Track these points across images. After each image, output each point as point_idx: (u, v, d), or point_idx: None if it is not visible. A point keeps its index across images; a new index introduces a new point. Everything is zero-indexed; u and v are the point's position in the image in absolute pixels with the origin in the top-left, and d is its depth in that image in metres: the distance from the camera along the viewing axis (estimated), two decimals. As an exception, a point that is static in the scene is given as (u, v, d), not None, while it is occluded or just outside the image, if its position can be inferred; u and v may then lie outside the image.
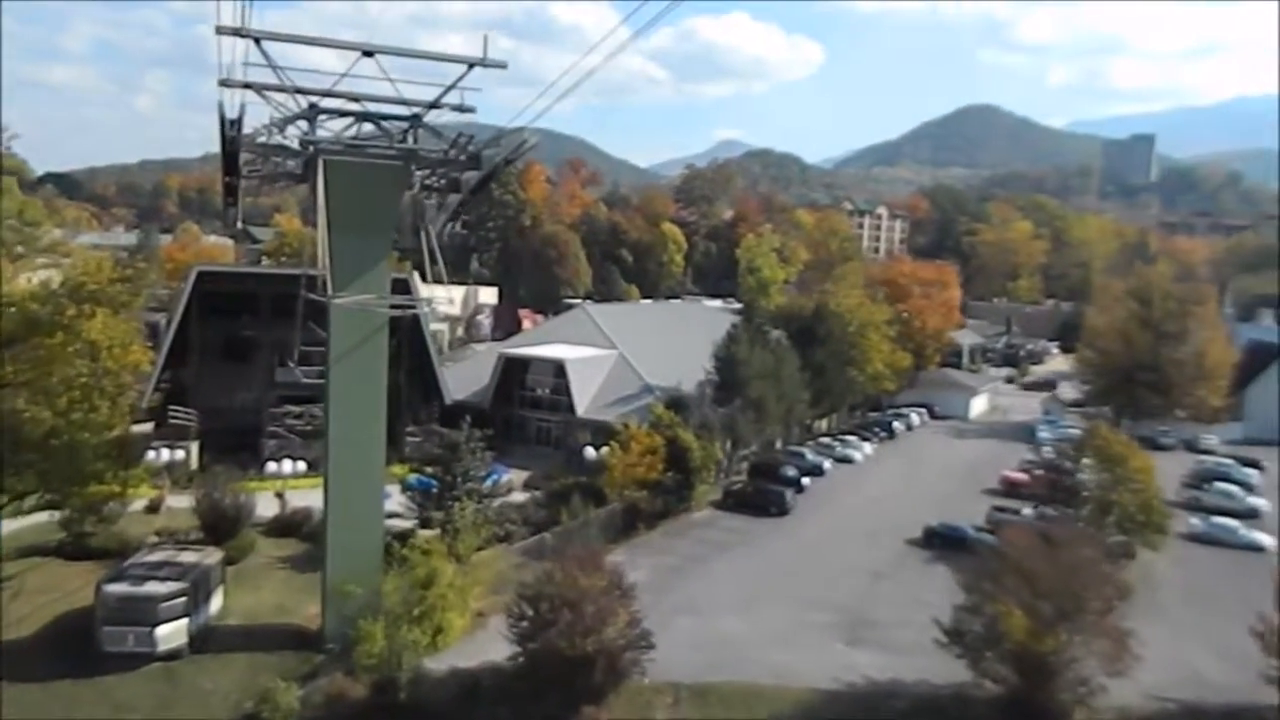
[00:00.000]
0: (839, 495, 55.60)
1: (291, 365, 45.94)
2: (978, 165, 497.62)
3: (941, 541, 45.45)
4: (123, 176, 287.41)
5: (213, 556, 35.04)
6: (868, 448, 66.75)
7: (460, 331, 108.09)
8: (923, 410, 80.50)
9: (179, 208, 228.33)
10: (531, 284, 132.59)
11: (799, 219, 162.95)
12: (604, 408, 59.56)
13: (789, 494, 51.85)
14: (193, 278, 55.20)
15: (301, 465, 48.23)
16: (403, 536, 37.50)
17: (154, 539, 42.03)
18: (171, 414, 54.05)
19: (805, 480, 55.30)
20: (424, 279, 33.56)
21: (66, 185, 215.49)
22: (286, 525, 44.63)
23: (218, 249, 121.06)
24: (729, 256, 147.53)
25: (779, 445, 63.65)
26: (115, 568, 33.57)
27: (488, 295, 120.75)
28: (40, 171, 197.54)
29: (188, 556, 34.41)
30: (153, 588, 31.46)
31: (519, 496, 48.51)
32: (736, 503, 51.43)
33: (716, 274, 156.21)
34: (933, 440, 74.48)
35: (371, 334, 32.73)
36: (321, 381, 44.23)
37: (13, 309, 32.71)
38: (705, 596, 39.12)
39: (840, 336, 67.96)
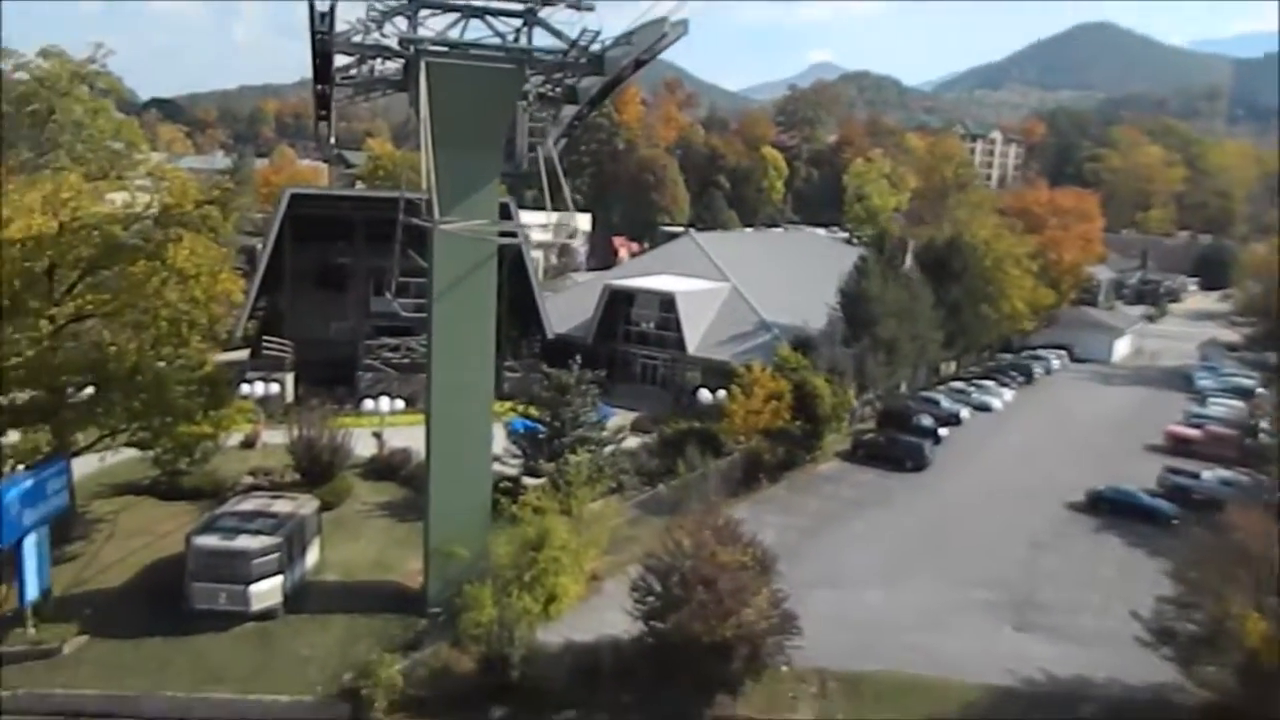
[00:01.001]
0: (981, 448, 50.41)
1: (388, 295, 42.69)
2: (1090, 87, 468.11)
3: (1109, 507, 40.26)
4: (222, 102, 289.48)
5: (308, 506, 32.16)
6: (1007, 394, 60.96)
7: (553, 260, 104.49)
8: (1061, 352, 73.84)
9: (275, 132, 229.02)
10: (626, 211, 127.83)
11: (908, 143, 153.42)
12: (716, 345, 55.15)
13: (927, 446, 46.99)
14: (285, 200, 52.16)
15: (400, 403, 45.09)
16: (510, 491, 33.94)
17: (248, 479, 39.63)
18: (266, 344, 51.68)
19: (942, 430, 50.26)
20: (551, 204, 29.27)
21: (169, 110, 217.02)
22: (384, 467, 41.80)
23: (311, 172, 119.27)
24: (833, 183, 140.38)
25: (904, 389, 58.54)
26: (206, 517, 30.90)
27: (581, 222, 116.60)
28: (145, 98, 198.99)
29: (282, 505, 31.58)
30: (245, 542, 28.67)
31: (630, 441, 44.72)
32: (867, 455, 46.84)
33: (818, 201, 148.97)
34: (1076, 386, 68.18)
35: (480, 264, 28.82)
36: (420, 315, 41.08)
37: (95, 232, 29.70)
38: (844, 565, 34.98)
39: (976, 271, 61.83)
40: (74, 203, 28.71)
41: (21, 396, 29.44)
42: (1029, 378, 66.83)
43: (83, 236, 28.71)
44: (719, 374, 51.07)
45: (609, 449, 38.57)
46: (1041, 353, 72.73)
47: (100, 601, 29.82)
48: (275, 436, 44.16)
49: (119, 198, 34.77)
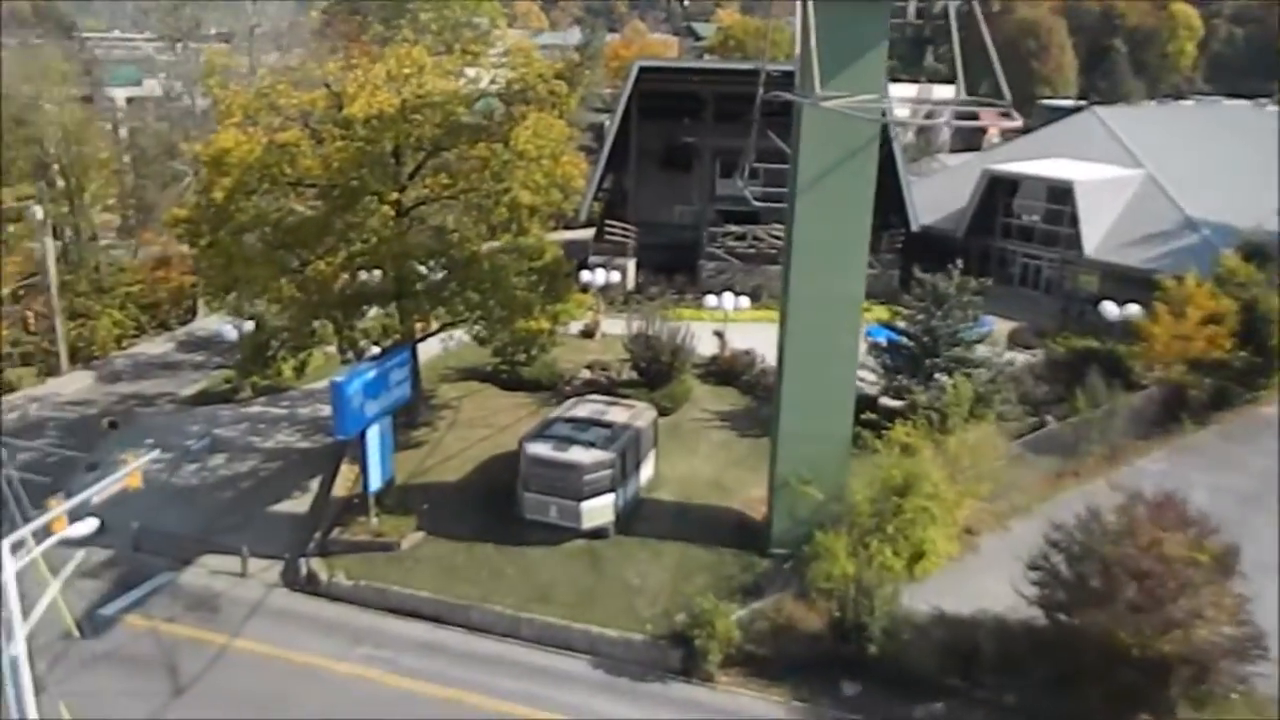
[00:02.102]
0: None
1: (738, 180, 38.32)
2: None
3: None
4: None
5: (645, 416, 29.23)
6: None
7: (909, 137, 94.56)
8: None
9: (628, 6, 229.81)
10: (997, 82, 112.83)
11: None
12: (1122, 247, 45.33)
13: None
14: (634, 73, 48.84)
15: (744, 300, 41.00)
16: (873, 424, 28.68)
17: (585, 373, 37.86)
18: (609, 227, 49.65)
19: None
20: (963, 82, 23.19)
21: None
22: (726, 370, 38.25)
23: (661, 45, 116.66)
24: (1262, 44, 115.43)
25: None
26: (539, 422, 28.90)
27: (944, 94, 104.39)
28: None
29: (618, 413, 28.87)
30: (577, 455, 26.24)
31: (1010, 357, 37.38)
32: (1333, 398, 36.18)
33: (1240, 67, 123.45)
34: None
35: (857, 149, 23.24)
36: (771, 205, 36.31)
37: (436, 111, 27.61)
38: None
39: None
40: (416, 79, 26.64)
41: (367, 279, 28.59)
42: None
43: (424, 115, 26.65)
44: (1125, 282, 41.86)
45: (991, 373, 31.96)
46: None
47: (437, 496, 29.13)
48: (615, 326, 42.11)
49: (471, 73, 32.86)
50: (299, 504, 30.81)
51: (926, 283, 32.02)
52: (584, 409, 29.12)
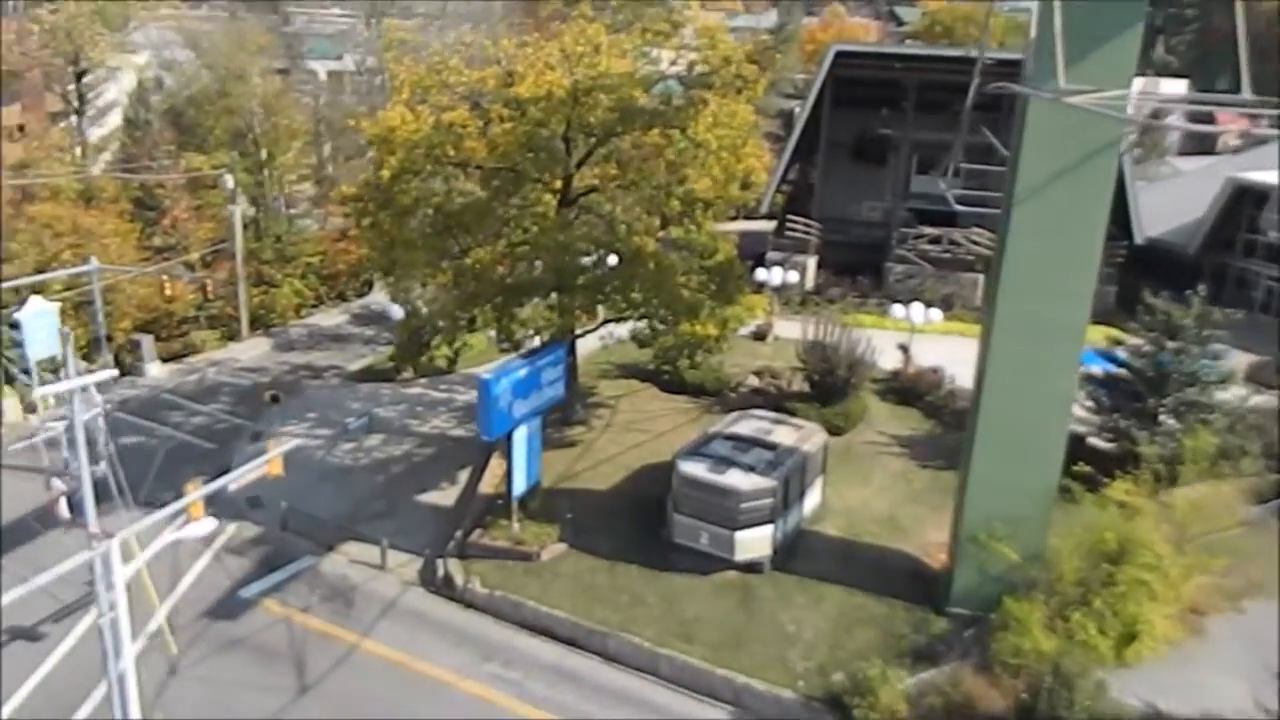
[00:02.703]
0: None
1: (940, 179, 34.49)
2: None
3: None
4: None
5: (814, 439, 26.34)
6: None
7: (1132, 137, 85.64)
8: None
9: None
10: (1238, 76, 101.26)
11: None
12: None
13: None
14: (829, 58, 45.45)
15: (935, 313, 37.10)
16: (1086, 477, 24.74)
17: (753, 379, 35.23)
18: (790, 222, 46.63)
19: None
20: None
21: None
22: (908, 389, 34.69)
23: (861, 29, 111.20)
24: None
25: None
26: (696, 438, 26.41)
27: (1175, 90, 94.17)
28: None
29: (784, 434, 26.10)
30: (735, 480, 23.68)
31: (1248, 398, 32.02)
32: None
33: None
34: None
35: (1095, 152, 19.42)
36: (972, 209, 32.39)
37: (610, 96, 25.52)
38: None
39: None
40: (590, 59, 24.63)
41: (526, 269, 26.95)
42: None
43: (597, 98, 24.62)
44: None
45: (1229, 420, 27.12)
46: None
47: (583, 505, 27.31)
48: (789, 329, 39.26)
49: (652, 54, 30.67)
50: (445, 496, 29.79)
51: (1158, 309, 27.41)
52: (747, 425, 26.50)
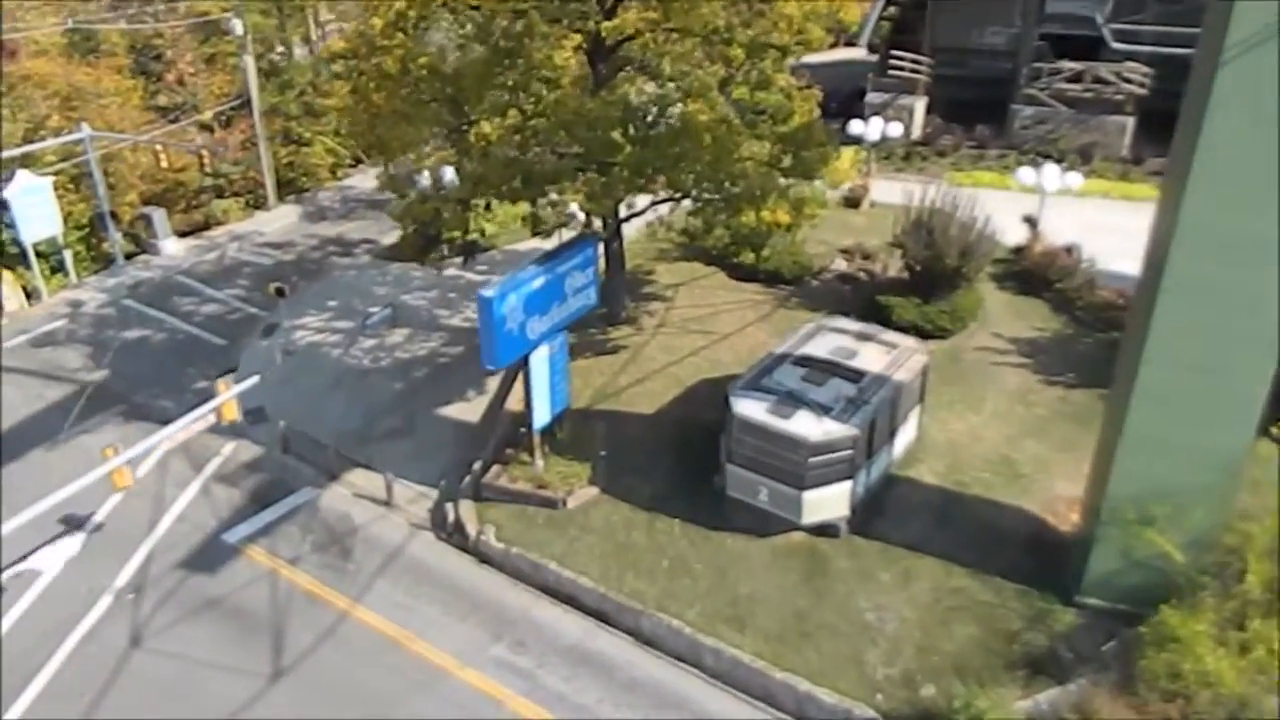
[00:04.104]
0: None
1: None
2: None
3: None
4: None
5: (911, 363, 20.59)
6: None
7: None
8: None
9: None
10: None
11: None
12: None
13: None
14: None
15: (1074, 177, 29.88)
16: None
17: (841, 263, 29.32)
18: (893, 59, 38.90)
19: None
20: None
21: None
22: (1033, 273, 28.28)
23: None
24: None
25: None
26: (758, 365, 20.77)
27: None
28: None
29: (871, 355, 20.44)
30: (805, 425, 18.37)
31: None
32: None
33: None
34: None
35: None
36: (1127, 45, 24.78)
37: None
38: None
39: None
40: None
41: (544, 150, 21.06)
42: None
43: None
44: None
45: None
46: None
47: (622, 435, 22.59)
48: (889, 191, 32.87)
49: None
50: (472, 408, 25.51)
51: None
52: (824, 342, 20.88)
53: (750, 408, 18.87)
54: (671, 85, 22.16)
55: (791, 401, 18.85)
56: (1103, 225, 31.02)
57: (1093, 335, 25.27)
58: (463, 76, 19.97)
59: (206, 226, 37.35)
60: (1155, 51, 34.22)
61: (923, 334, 25.01)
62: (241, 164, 37.48)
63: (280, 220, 38.57)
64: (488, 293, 18.70)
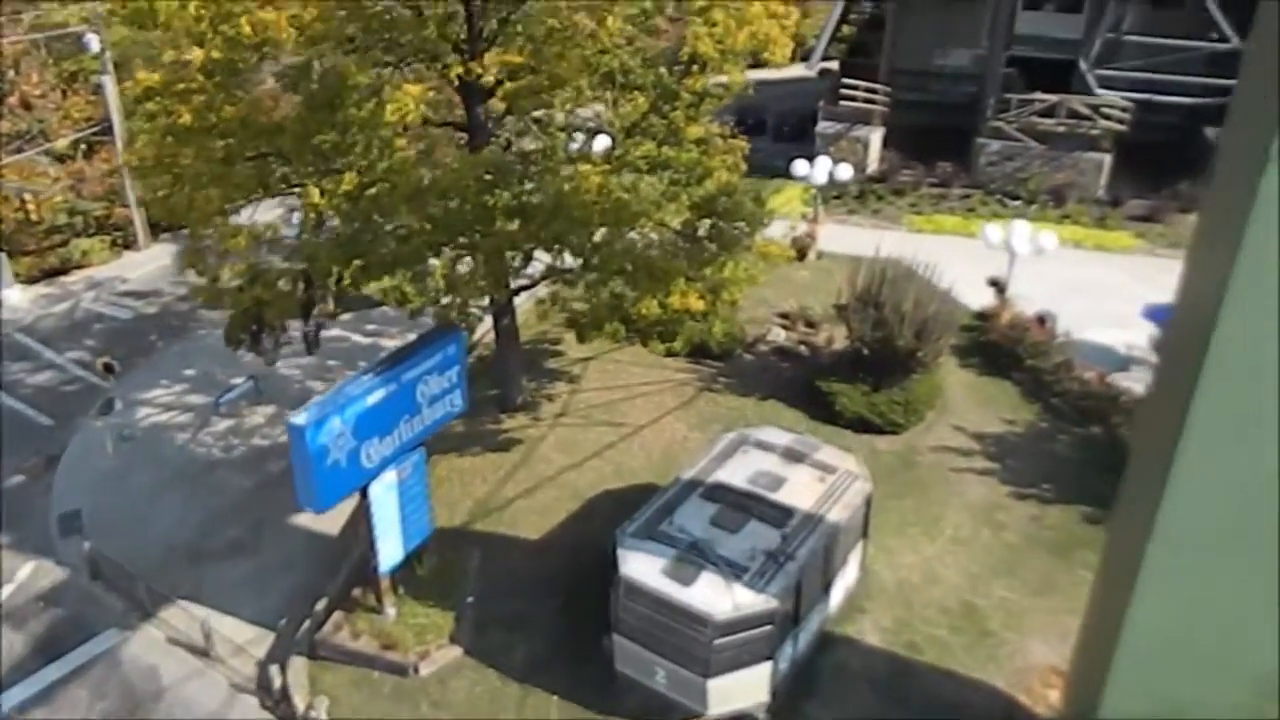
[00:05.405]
0: None
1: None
2: None
3: None
4: None
5: (850, 491, 16.38)
6: None
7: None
8: None
9: None
10: None
11: None
12: None
13: None
14: None
15: (1048, 240, 25.68)
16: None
17: (778, 333, 25.21)
18: (845, 87, 34.91)
19: None
20: None
21: None
22: (998, 345, 24.32)
23: None
24: None
25: None
26: (657, 500, 16.26)
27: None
28: None
29: (802, 485, 16.18)
30: (711, 596, 14.05)
31: None
32: None
33: None
34: None
35: None
36: (1110, 91, 20.86)
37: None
38: None
39: None
40: None
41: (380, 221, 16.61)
42: None
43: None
44: None
45: None
46: None
47: (501, 566, 18.28)
48: (840, 238, 29.06)
49: None
50: (333, 516, 20.72)
51: None
52: (745, 464, 16.61)
53: (642, 567, 14.56)
54: (562, 137, 17.87)
55: (696, 557, 14.59)
56: (1078, 282, 27.45)
57: (1069, 431, 21.35)
58: (279, 132, 15.58)
59: (63, 271, 32.50)
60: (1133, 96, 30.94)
61: (871, 428, 21.09)
62: (103, 199, 32.64)
63: (152, 263, 33.77)
64: (298, 419, 14.29)
